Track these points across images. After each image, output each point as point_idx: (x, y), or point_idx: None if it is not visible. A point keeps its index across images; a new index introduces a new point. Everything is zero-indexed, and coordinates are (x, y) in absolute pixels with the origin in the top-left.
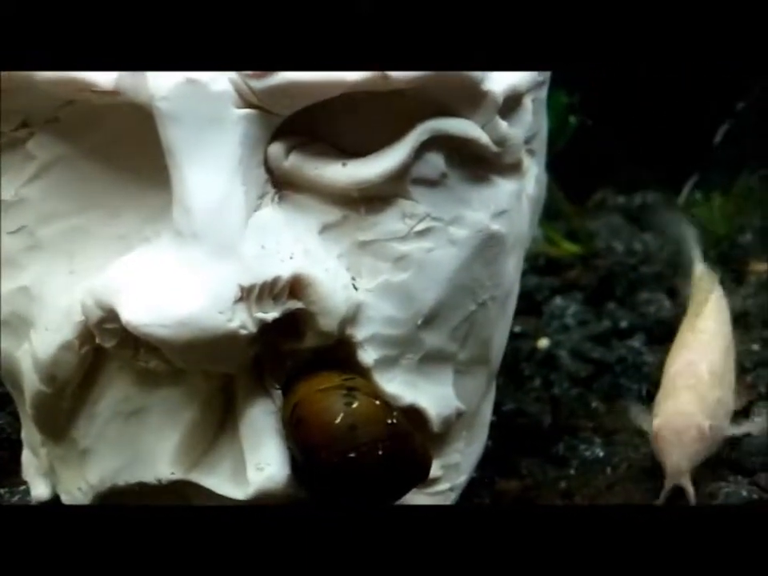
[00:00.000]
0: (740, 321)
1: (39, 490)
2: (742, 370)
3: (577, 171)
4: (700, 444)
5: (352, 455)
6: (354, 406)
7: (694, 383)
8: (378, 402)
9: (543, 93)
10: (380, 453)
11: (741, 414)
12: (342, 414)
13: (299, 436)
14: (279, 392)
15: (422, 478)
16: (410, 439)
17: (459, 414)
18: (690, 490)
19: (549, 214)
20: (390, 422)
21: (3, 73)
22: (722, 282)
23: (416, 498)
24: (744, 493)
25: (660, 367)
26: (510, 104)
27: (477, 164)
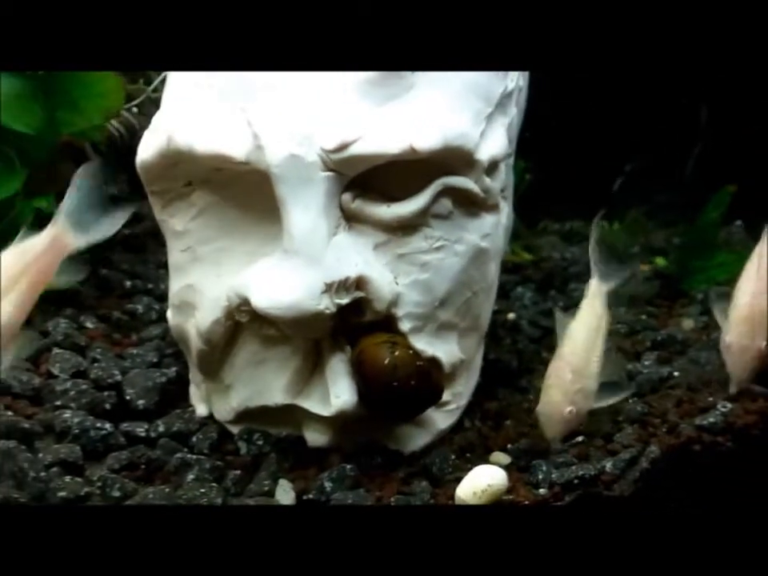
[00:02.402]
0: (632, 301)
1: (200, 410)
2: (634, 333)
3: (530, 209)
4: (564, 423)
5: (395, 384)
6: (396, 353)
7: (560, 382)
8: (411, 352)
9: (511, 160)
10: (412, 383)
11: (635, 360)
12: (388, 359)
13: (361, 373)
14: (349, 347)
15: (437, 400)
16: (430, 376)
17: (461, 362)
18: (559, 447)
19: (513, 235)
20: (418, 364)
21: (175, 150)
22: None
23: (434, 413)
24: (639, 408)
25: None
26: (491, 167)
27: (471, 205)
